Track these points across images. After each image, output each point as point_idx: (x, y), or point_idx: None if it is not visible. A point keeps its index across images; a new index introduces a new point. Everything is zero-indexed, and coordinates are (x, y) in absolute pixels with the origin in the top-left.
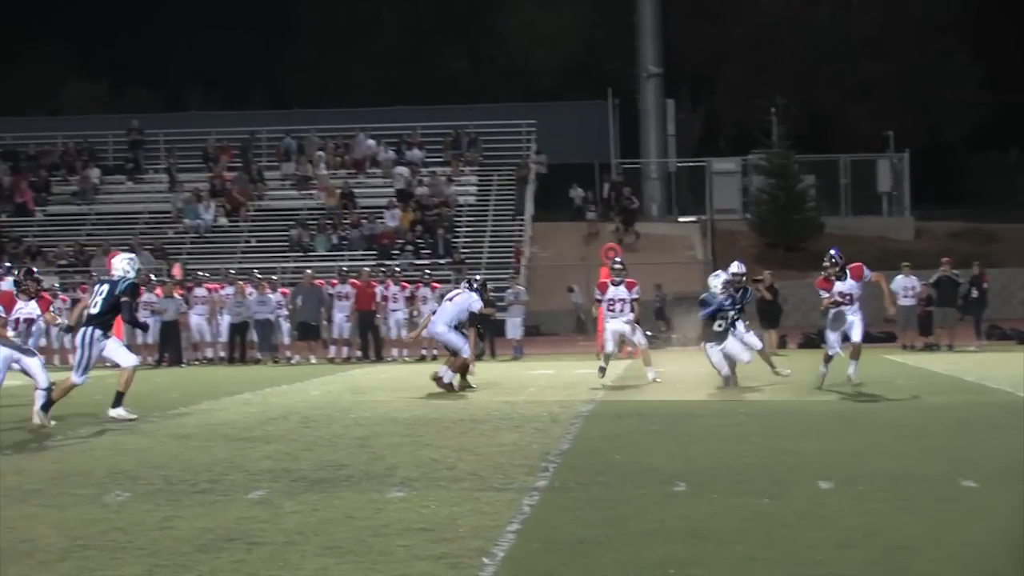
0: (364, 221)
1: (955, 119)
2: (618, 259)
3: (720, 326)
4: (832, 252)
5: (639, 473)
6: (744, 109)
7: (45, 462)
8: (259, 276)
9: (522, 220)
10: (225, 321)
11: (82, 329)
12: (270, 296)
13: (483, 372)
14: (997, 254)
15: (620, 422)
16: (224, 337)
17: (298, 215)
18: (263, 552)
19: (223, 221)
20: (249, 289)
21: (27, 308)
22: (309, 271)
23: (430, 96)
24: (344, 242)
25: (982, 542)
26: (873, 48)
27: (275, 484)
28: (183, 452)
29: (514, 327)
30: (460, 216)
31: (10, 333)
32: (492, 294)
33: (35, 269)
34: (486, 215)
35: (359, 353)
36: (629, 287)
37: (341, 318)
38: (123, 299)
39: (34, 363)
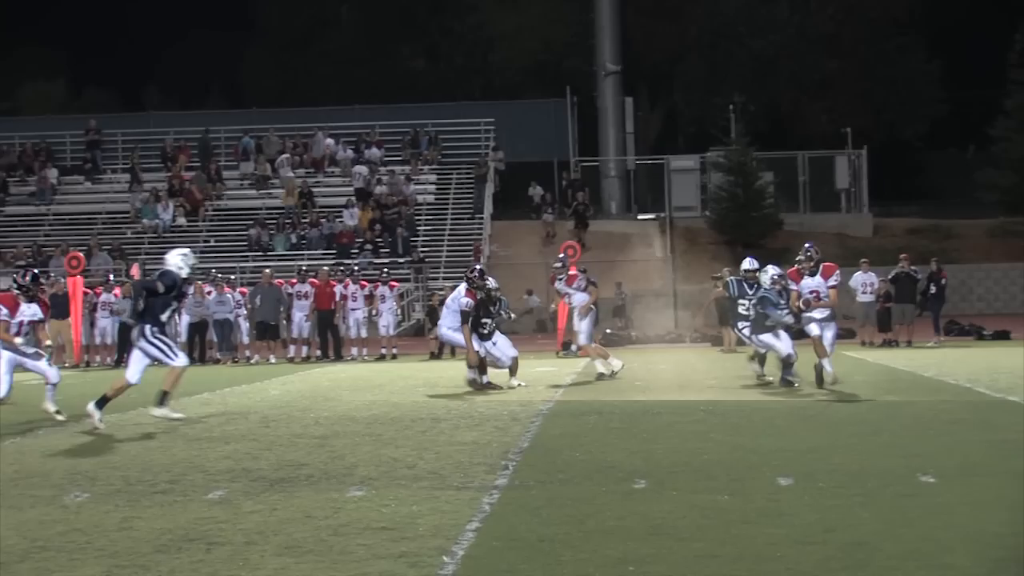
0: (323, 220)
1: (913, 116)
2: (560, 255)
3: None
4: (808, 246)
5: (599, 471)
6: (702, 107)
7: (3, 463)
8: (219, 276)
9: (481, 219)
10: (184, 321)
11: (140, 327)
12: (229, 295)
13: (442, 371)
14: (955, 250)
15: (580, 420)
16: (183, 337)
17: (257, 214)
18: (222, 552)
19: (181, 221)
20: (208, 288)
21: (30, 311)
22: (268, 270)
23: (389, 95)
24: (303, 241)
25: (941, 537)
26: (831, 45)
27: (234, 484)
28: (142, 453)
29: None
30: (419, 215)
31: (17, 339)
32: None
33: (38, 272)
34: (445, 214)
35: (319, 352)
36: (570, 282)
37: (300, 317)
38: (158, 292)
39: (40, 364)
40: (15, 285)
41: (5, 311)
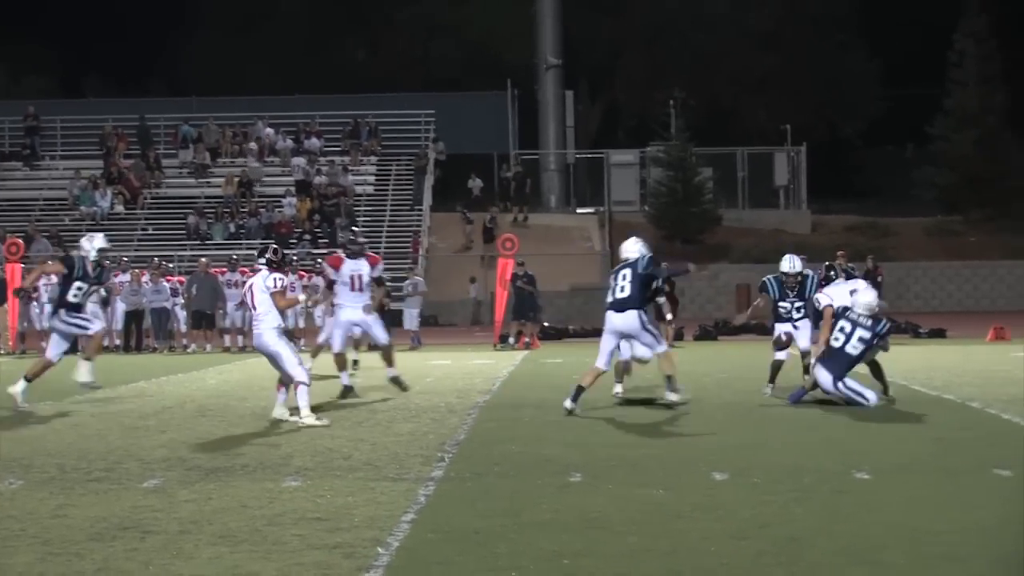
0: (262, 210)
1: (852, 113)
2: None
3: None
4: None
5: (535, 464)
6: (643, 101)
7: None
8: (162, 264)
9: (420, 210)
10: (120, 309)
11: (54, 312)
12: (165, 284)
13: (379, 362)
14: (892, 248)
15: (516, 413)
16: (119, 325)
17: (195, 203)
18: (157, 541)
19: (120, 208)
20: (145, 277)
21: None
22: (204, 259)
23: (329, 85)
24: (241, 231)
25: (875, 534)
26: (771, 42)
27: (170, 473)
28: (78, 440)
29: (411, 318)
30: (358, 206)
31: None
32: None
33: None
34: (384, 205)
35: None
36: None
37: (232, 307)
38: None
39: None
40: None
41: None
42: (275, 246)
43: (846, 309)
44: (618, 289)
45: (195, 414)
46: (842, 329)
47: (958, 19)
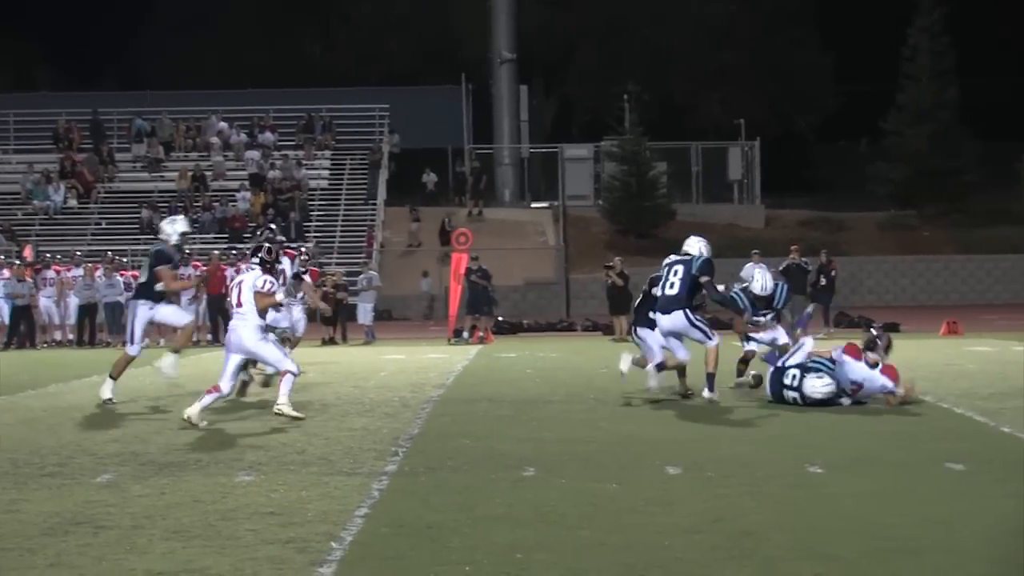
0: (216, 204)
1: (806, 108)
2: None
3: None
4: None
5: (488, 458)
6: (597, 96)
7: None
8: (116, 258)
9: (374, 204)
10: (73, 303)
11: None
12: (119, 278)
13: (335, 356)
14: (846, 242)
15: (470, 407)
16: (73, 320)
17: (149, 197)
18: (110, 536)
19: (73, 203)
20: (98, 271)
21: None
22: None
23: (283, 79)
24: (195, 225)
25: (827, 527)
26: (725, 37)
27: (123, 468)
28: (30, 435)
29: (365, 312)
30: (312, 200)
31: None
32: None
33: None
34: (339, 199)
35: (209, 336)
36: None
37: (184, 301)
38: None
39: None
40: None
41: None
42: (268, 245)
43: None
44: (667, 285)
45: (148, 409)
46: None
47: (911, 14)
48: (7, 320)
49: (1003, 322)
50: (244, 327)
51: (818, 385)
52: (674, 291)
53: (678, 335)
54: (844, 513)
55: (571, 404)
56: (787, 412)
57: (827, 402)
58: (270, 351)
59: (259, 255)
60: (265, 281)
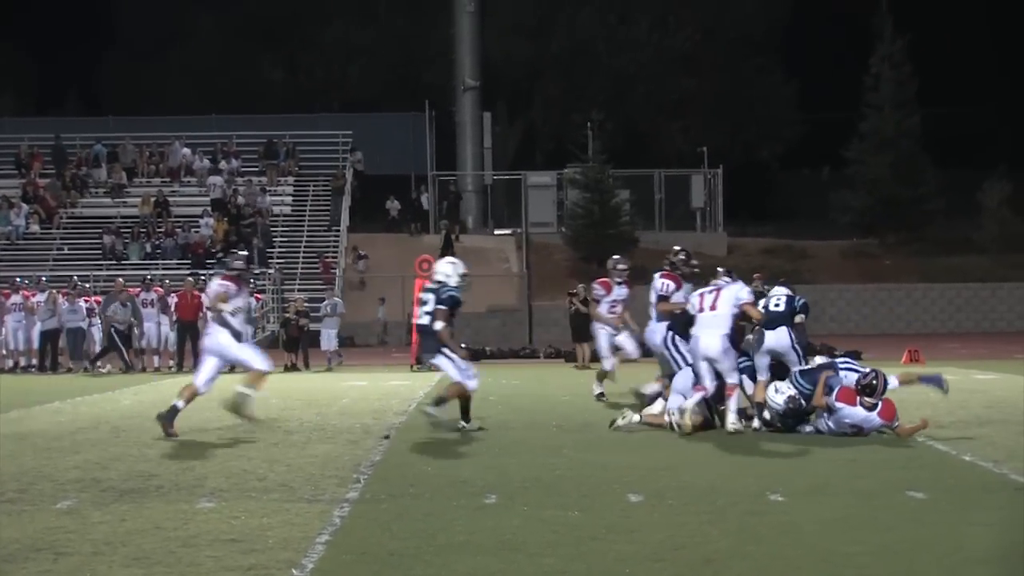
0: (178, 230)
1: (768, 136)
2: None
3: None
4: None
5: (450, 485)
6: (560, 124)
7: None
8: (80, 283)
9: (338, 231)
10: (36, 329)
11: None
12: (81, 304)
13: (297, 384)
14: (808, 270)
15: (432, 434)
16: (35, 345)
17: (111, 223)
18: (70, 562)
19: (35, 228)
20: (60, 297)
21: None
22: (120, 280)
23: (246, 106)
24: (158, 251)
25: (789, 555)
26: (689, 65)
27: (84, 494)
28: None
29: (329, 338)
30: (275, 226)
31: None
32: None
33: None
34: (302, 225)
35: (171, 363)
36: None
37: (149, 327)
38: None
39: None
40: None
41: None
42: (246, 253)
43: None
44: (772, 304)
45: (109, 435)
46: None
47: (874, 44)
48: None
49: (964, 351)
50: (221, 332)
51: (776, 397)
52: (780, 308)
53: (779, 354)
54: (805, 541)
55: (532, 431)
56: (749, 440)
57: (790, 416)
58: (246, 352)
59: (236, 264)
60: (221, 284)
